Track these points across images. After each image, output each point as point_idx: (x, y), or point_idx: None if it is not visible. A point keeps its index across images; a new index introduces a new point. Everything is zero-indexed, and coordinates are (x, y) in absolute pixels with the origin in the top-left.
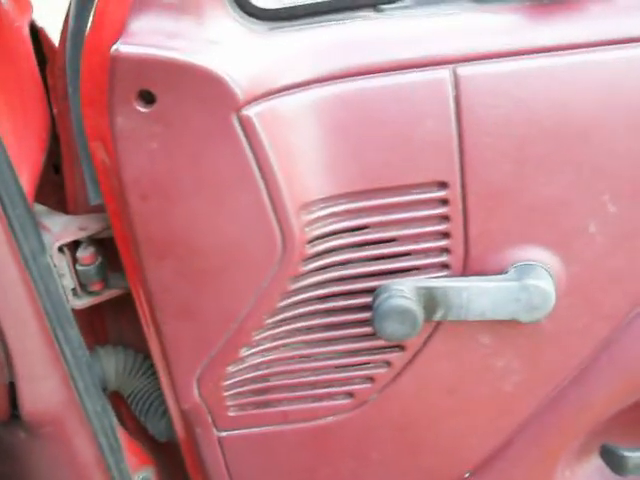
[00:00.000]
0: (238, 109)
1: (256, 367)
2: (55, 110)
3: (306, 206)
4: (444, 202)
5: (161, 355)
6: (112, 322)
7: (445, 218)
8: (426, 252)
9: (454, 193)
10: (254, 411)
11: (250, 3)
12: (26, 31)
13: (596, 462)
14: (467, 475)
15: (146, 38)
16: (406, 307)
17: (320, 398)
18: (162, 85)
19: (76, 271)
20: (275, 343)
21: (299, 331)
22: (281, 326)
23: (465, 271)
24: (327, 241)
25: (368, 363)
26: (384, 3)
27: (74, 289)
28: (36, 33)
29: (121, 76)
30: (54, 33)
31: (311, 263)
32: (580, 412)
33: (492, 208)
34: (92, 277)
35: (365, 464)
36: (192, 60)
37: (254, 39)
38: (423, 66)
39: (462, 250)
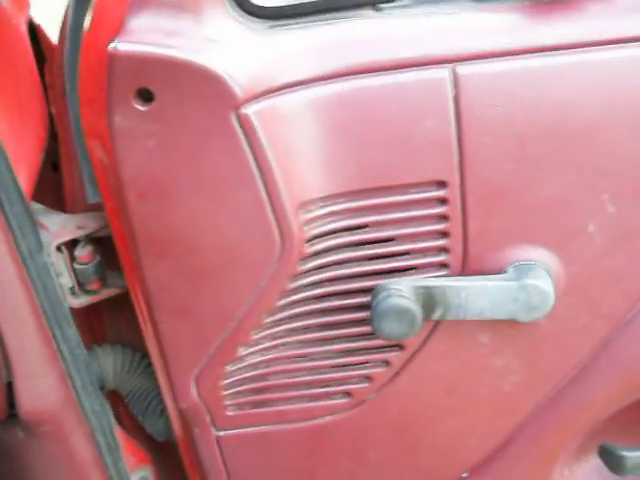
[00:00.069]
0: (237, 107)
1: (254, 366)
2: (53, 108)
3: (305, 205)
4: (443, 201)
5: (159, 354)
6: (110, 321)
7: (444, 217)
8: (425, 251)
9: (453, 192)
10: (252, 410)
11: (249, 1)
12: (24, 29)
13: (594, 462)
14: (465, 475)
15: (144, 36)
16: (405, 306)
17: (318, 397)
18: (160, 83)
19: (74, 270)
20: (273, 342)
21: (297, 330)
22: (280, 325)
23: (464, 270)
24: (326, 240)
25: (366, 362)
26: (383, 2)
27: (72, 288)
28: (34, 31)
29: (119, 74)
30: (51, 32)
31: (310, 262)
32: (579, 412)
33: (491, 207)
34: (90, 276)
35: (363, 464)
36: (191, 58)
37: (253, 37)
38: (422, 65)
39: (461, 249)
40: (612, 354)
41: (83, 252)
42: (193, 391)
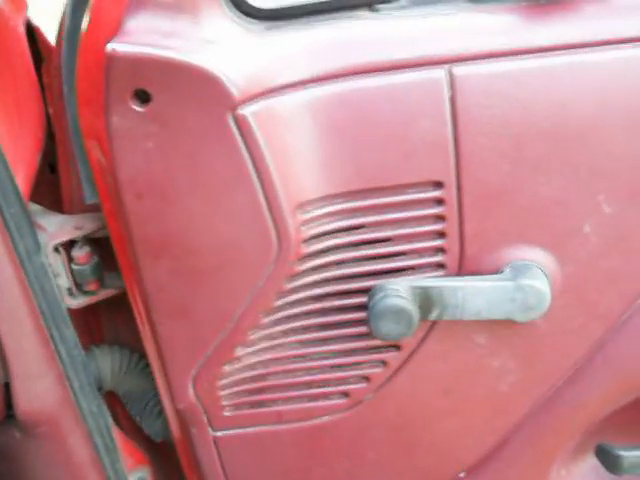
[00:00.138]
0: (234, 108)
1: (252, 367)
2: (51, 109)
3: (302, 205)
4: (439, 202)
5: (157, 355)
6: (108, 321)
7: (440, 218)
8: (421, 252)
9: (449, 193)
10: (249, 411)
11: (246, 2)
12: (21, 30)
13: (591, 461)
14: (462, 475)
15: (142, 37)
16: (401, 307)
17: (315, 398)
18: (158, 84)
19: (72, 271)
20: (271, 343)
21: (295, 330)
22: (277, 325)
23: (460, 271)
24: (323, 240)
25: (363, 363)
26: (380, 3)
27: (69, 289)
28: (32, 32)
29: (117, 75)
30: (49, 33)
31: (307, 262)
32: (575, 412)
33: (487, 208)
34: (88, 277)
35: (360, 464)
36: (188, 59)
37: (250, 38)
38: (419, 66)
39: (457, 250)
40: (608, 354)
41: (81, 253)
42: (190, 391)
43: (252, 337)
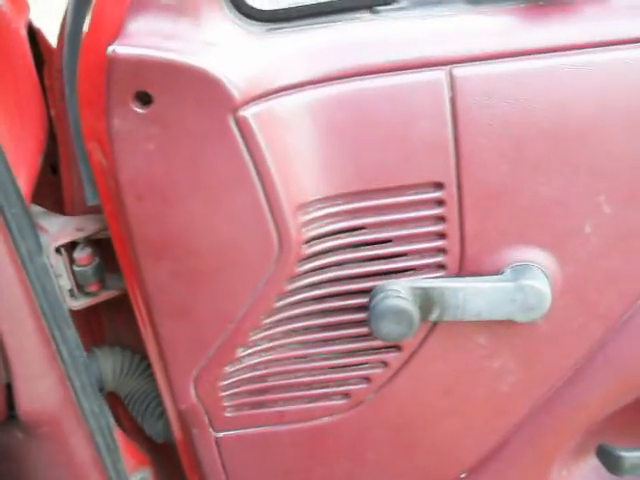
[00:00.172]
0: (235, 110)
1: (253, 367)
2: (52, 111)
3: (303, 207)
4: (440, 203)
5: (158, 356)
6: (109, 322)
7: (441, 219)
8: (422, 253)
9: (450, 194)
10: (251, 411)
11: (247, 4)
12: (23, 32)
13: (592, 462)
14: (463, 475)
15: (143, 39)
16: (402, 307)
17: (316, 398)
18: (159, 86)
19: (73, 272)
20: (272, 344)
21: (296, 331)
22: (278, 326)
23: (461, 271)
24: (323, 242)
25: (364, 363)
26: (380, 5)
27: (71, 290)
28: (33, 34)
29: (118, 77)
30: (50, 35)
31: (308, 264)
32: (576, 412)
33: (488, 209)
34: (89, 278)
35: (361, 464)
36: (189, 61)
37: (251, 40)
38: (419, 67)
39: (458, 250)
40: (608, 355)
41: (82, 254)
42: (192, 392)
43: (253, 338)
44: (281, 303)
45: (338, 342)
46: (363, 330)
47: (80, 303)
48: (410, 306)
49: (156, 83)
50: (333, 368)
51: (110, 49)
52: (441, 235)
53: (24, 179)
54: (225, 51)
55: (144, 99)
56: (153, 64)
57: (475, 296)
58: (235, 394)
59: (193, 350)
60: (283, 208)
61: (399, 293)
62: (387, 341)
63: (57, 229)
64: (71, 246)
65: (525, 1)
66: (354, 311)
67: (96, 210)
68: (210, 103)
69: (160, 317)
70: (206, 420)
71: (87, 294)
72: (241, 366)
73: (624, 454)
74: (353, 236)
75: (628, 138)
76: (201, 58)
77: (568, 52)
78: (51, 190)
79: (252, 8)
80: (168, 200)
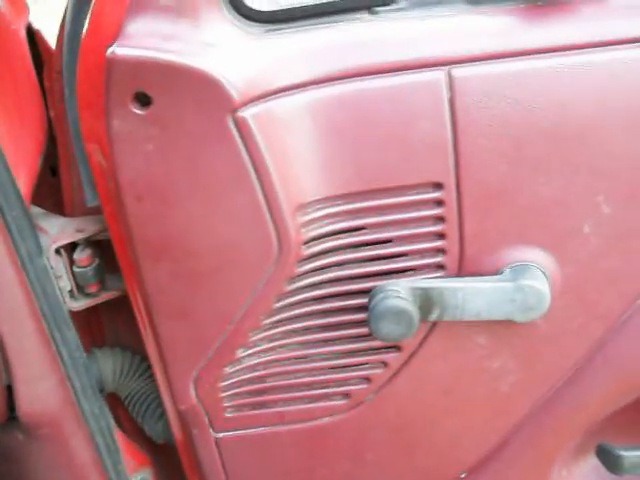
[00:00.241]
0: (234, 111)
1: (253, 368)
2: (52, 113)
3: (302, 207)
4: (439, 203)
5: (158, 356)
6: (109, 324)
7: (440, 219)
8: (422, 253)
9: (449, 194)
10: (251, 412)
11: (246, 5)
12: (22, 34)
13: (592, 461)
14: (463, 476)
15: (142, 40)
16: (402, 307)
17: (316, 399)
18: (158, 87)
19: (73, 273)
20: (272, 344)
21: (295, 332)
22: (277, 327)
23: (460, 272)
24: (323, 242)
25: (364, 364)
26: (379, 5)
27: (71, 291)
28: (32, 36)
29: (117, 78)
30: (50, 36)
31: (307, 264)
32: (575, 412)
33: (487, 209)
34: (89, 279)
35: (361, 465)
36: (188, 62)
37: (250, 41)
38: (418, 68)
39: (457, 251)
40: (608, 354)
41: (82, 255)
42: (192, 393)
43: (253, 338)
44: (281, 304)
45: (338, 342)
46: (363, 330)
47: (80, 304)
48: (410, 306)
49: (155, 84)
50: (333, 368)
51: (109, 50)
52: (440, 235)
53: (24, 180)
54: (224, 52)
55: (143, 100)
56: (152, 65)
57: (474, 296)
58: (235, 394)
59: (193, 351)
60: (282, 209)
61: (399, 293)
62: (387, 341)
63: (57, 230)
64: (71, 247)
65: (524, 1)
66: (354, 311)
67: (96, 211)
68: (209, 104)
69: (160, 318)
70: (206, 421)
71: (87, 295)
72: (241, 367)
73: (624, 453)
74: (352, 236)
75: (627, 138)
76: (200, 59)
77: (567, 52)
78: (51, 191)
79: (251, 9)
80: (167, 201)
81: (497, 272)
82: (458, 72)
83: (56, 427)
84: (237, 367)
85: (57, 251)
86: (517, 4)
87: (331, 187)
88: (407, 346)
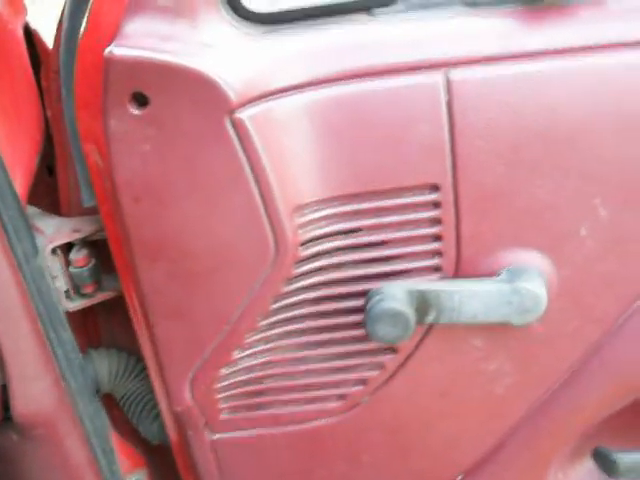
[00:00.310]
0: (231, 112)
1: (249, 370)
2: (49, 112)
3: (299, 208)
4: (436, 205)
5: (154, 357)
6: (105, 324)
7: (437, 221)
8: (418, 255)
9: (446, 196)
10: (246, 414)
11: (244, 7)
12: (20, 33)
13: (588, 464)
14: (459, 478)
15: (140, 41)
16: (398, 310)
17: (312, 401)
18: (156, 87)
19: (69, 273)
20: (268, 345)
21: (292, 333)
22: (274, 328)
23: (457, 274)
24: (320, 244)
25: (360, 366)
26: (377, 7)
27: (67, 291)
28: (30, 35)
29: (115, 78)
30: (47, 36)
31: (304, 265)
32: (572, 415)
33: (484, 211)
34: (85, 279)
35: (357, 467)
36: (186, 63)
37: (248, 42)
38: (416, 70)
39: (454, 253)
40: (604, 357)
41: (78, 255)
42: (187, 394)
43: (249, 340)
44: (277, 305)
45: (334, 344)
46: (359, 332)
47: (76, 304)
48: (406, 308)
49: (153, 84)
50: (329, 370)
51: (107, 50)
52: (437, 237)
53: (20, 180)
54: (222, 53)
55: (141, 100)
56: (150, 65)
57: (471, 298)
58: (231, 396)
59: (189, 352)
60: (279, 210)
61: (395, 295)
62: (383, 343)
63: (53, 230)
64: (67, 247)
65: (522, 4)
66: (350, 313)
67: (92, 211)
68: (206, 105)
69: (156, 318)
70: (201, 422)
71: (83, 295)
72: (237, 368)
73: (620, 457)
74: (349, 238)
75: (623, 141)
76: (198, 60)
77: (564, 55)
78: (47, 191)
79: (249, 10)
80: (164, 201)
81: (494, 274)
82: (456, 74)
83: (51, 427)
84: (233, 368)
85: (53, 251)
86: (515, 7)
87: (328, 189)
88: (403, 348)
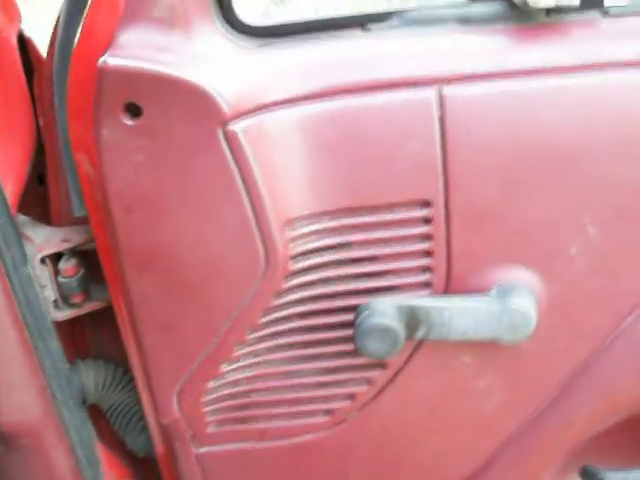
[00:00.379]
0: (224, 124)
1: (236, 383)
2: (41, 121)
3: (290, 222)
4: (427, 221)
5: (141, 369)
6: (93, 335)
7: (428, 237)
8: (409, 270)
9: (437, 212)
10: (233, 427)
11: (239, 20)
12: (14, 40)
13: None
14: None
15: (134, 51)
16: (388, 325)
17: (300, 415)
18: (149, 98)
19: (58, 283)
20: (256, 359)
21: (280, 347)
22: (263, 342)
23: (447, 290)
24: (310, 258)
25: (348, 381)
26: (371, 23)
27: (55, 301)
28: (23, 43)
29: (108, 88)
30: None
31: (294, 279)
32: (561, 432)
33: (475, 228)
34: (74, 289)
35: None
36: (179, 74)
37: (242, 55)
38: (409, 85)
39: (444, 269)
40: (593, 375)
41: (67, 265)
42: (175, 406)
43: (237, 353)
44: (267, 318)
45: (323, 359)
46: (348, 347)
47: (64, 314)
48: (396, 324)
49: (146, 95)
50: (317, 385)
51: (101, 60)
52: (428, 253)
53: (11, 188)
54: (216, 65)
55: (134, 111)
56: (143, 76)
57: (461, 315)
58: (218, 409)
59: (177, 364)
60: (270, 223)
61: (385, 311)
62: (372, 359)
63: (43, 239)
64: (56, 257)
65: (515, 22)
66: (339, 328)
67: (82, 221)
68: (199, 116)
69: (144, 329)
70: (188, 435)
71: (71, 305)
72: (224, 381)
73: (608, 475)
74: (340, 253)
75: (613, 161)
76: (192, 71)
77: (557, 74)
78: (37, 201)
79: (244, 23)
80: (156, 212)
81: (484, 291)
82: (449, 91)
83: (36, 438)
84: (221, 382)
85: (42, 260)
86: (508, 25)
87: (319, 203)
88: (392, 364)
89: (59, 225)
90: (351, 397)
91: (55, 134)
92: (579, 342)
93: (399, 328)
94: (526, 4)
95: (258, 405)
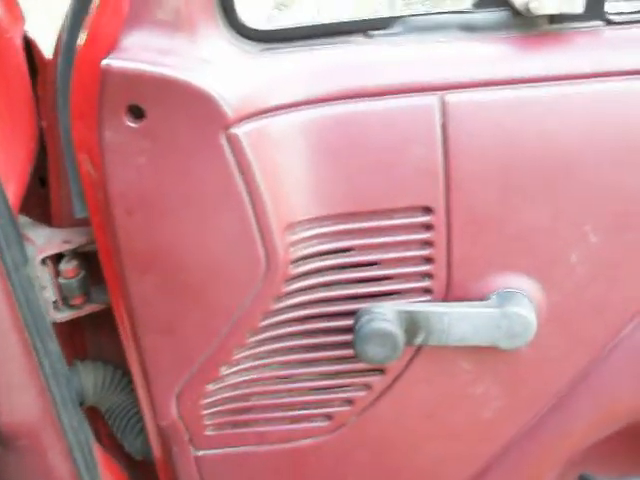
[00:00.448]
0: (227, 127)
1: (236, 386)
2: (44, 122)
3: (291, 226)
4: (428, 227)
5: (140, 371)
6: (92, 337)
7: (429, 243)
8: (409, 276)
9: (438, 218)
10: (232, 431)
11: (243, 24)
12: (18, 42)
13: None
14: None
15: (138, 54)
16: (387, 330)
17: (298, 420)
18: (152, 101)
19: (58, 284)
20: (256, 363)
21: (280, 351)
22: (262, 345)
23: (447, 296)
24: (311, 262)
25: (348, 386)
26: (374, 29)
27: (55, 302)
28: (27, 44)
29: (111, 90)
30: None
31: (294, 283)
32: (558, 440)
33: (476, 235)
34: (74, 291)
35: None
36: (183, 77)
37: (246, 59)
38: (412, 92)
39: (445, 275)
40: (592, 383)
41: (68, 266)
42: (173, 409)
43: (237, 356)
44: (267, 322)
45: (322, 363)
46: (347, 352)
47: (64, 316)
48: (395, 329)
49: (149, 97)
50: (316, 389)
51: (105, 62)
52: (428, 259)
53: (12, 189)
54: (219, 69)
55: (137, 113)
56: (147, 79)
57: (460, 321)
58: (217, 413)
59: (176, 366)
60: (272, 227)
61: (384, 316)
62: (371, 364)
63: (44, 241)
64: (57, 258)
65: (518, 31)
66: (339, 333)
67: (84, 223)
68: (202, 119)
69: (144, 331)
70: (186, 438)
71: (71, 307)
72: (224, 384)
73: None
74: (340, 258)
75: (615, 169)
76: (195, 75)
77: (559, 82)
78: (39, 202)
79: (248, 27)
80: (157, 214)
81: (484, 298)
82: (451, 98)
83: (34, 439)
84: (220, 385)
85: (43, 261)
86: (512, 33)
87: (321, 207)
88: (391, 369)
89: (60, 226)
90: (350, 402)
91: (57, 136)
92: (578, 350)
93: (399, 333)
94: (529, 11)
95: (257, 409)
